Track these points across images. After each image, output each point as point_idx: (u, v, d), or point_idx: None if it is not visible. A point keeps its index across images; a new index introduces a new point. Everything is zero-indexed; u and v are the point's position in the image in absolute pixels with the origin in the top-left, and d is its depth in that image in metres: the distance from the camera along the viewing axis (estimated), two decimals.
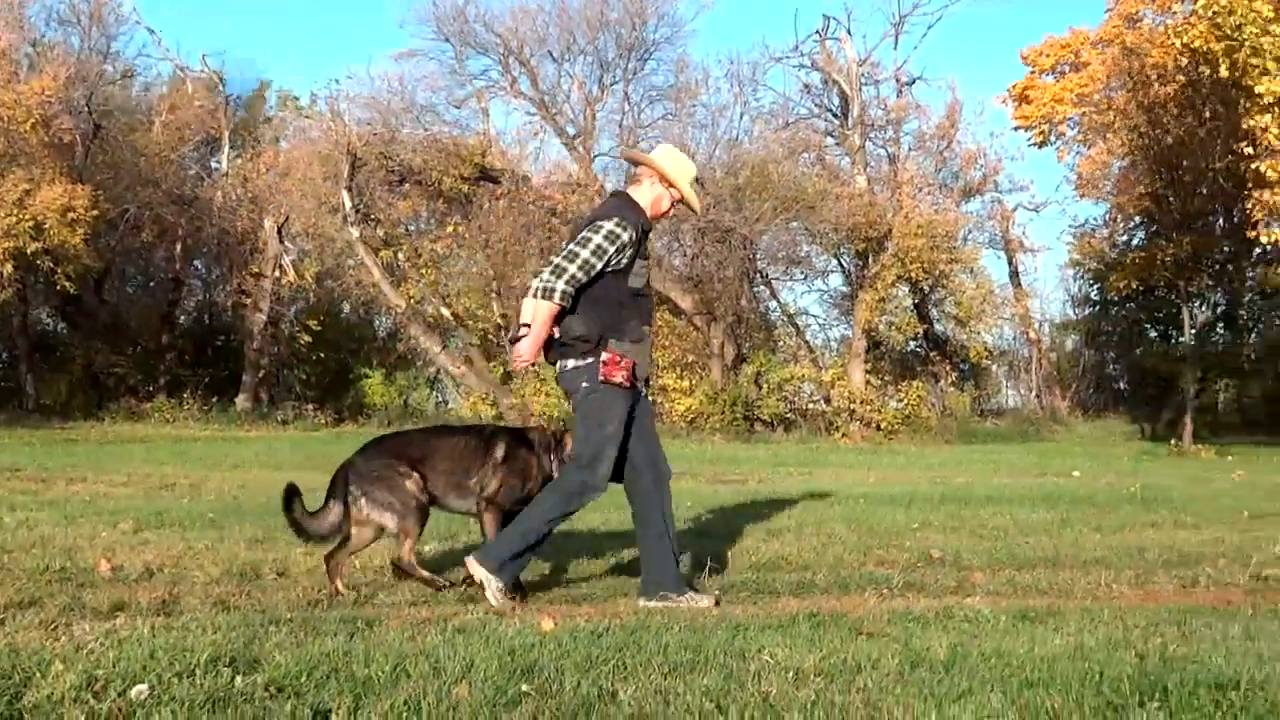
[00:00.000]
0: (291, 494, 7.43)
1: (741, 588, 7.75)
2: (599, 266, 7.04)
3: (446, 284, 38.97)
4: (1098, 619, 6.28)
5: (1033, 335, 44.53)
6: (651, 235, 7.41)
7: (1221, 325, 41.78)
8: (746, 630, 5.93)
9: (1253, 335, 42.52)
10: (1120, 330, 44.00)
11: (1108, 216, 43.86)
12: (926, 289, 39.11)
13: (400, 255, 38.81)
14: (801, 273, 41.89)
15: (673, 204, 7.57)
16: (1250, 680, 4.62)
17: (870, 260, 37.45)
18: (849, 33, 40.94)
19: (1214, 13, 22.62)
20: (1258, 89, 22.82)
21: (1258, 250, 34.14)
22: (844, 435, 35.21)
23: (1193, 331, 37.91)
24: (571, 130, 39.41)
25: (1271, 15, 21.96)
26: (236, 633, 5.45)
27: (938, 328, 40.79)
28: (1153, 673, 4.75)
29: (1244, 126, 25.39)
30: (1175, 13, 33.26)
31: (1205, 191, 37.83)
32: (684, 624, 6.10)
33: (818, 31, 40.91)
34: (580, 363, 7.11)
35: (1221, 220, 38.93)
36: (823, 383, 37.41)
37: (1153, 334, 43.36)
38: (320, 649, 5.12)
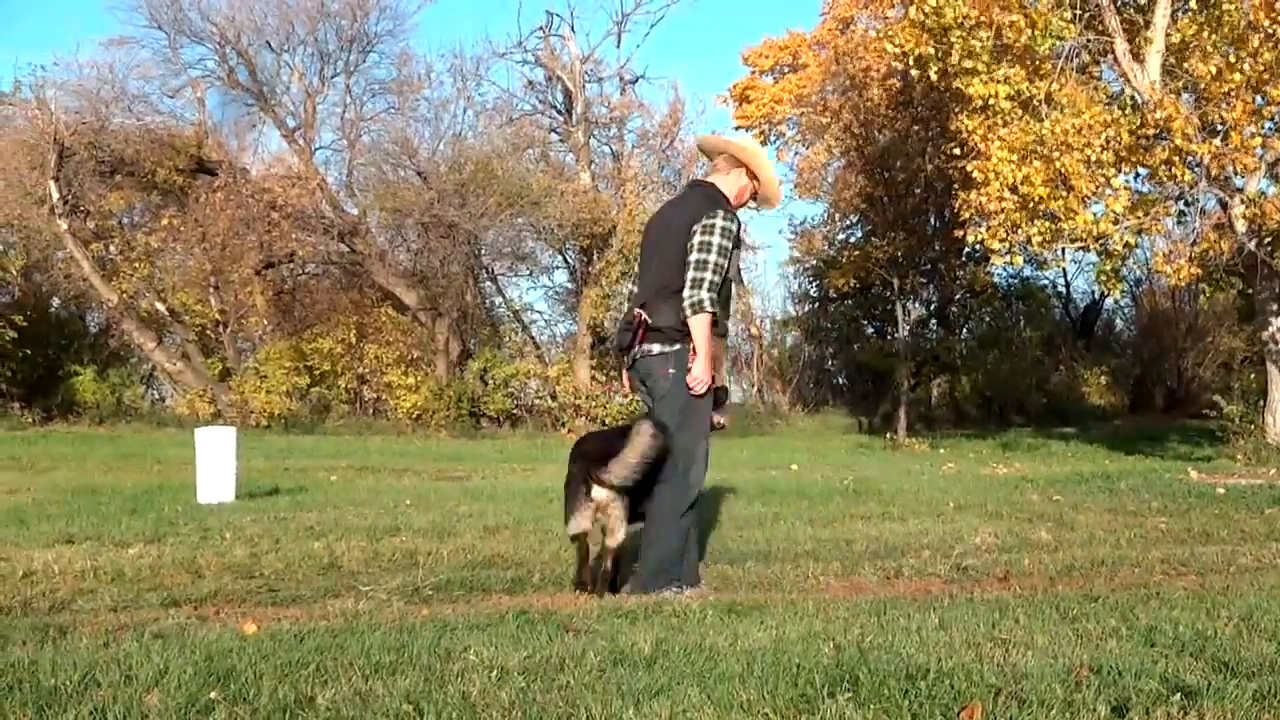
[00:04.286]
0: None
1: (455, 586, 7.75)
2: (727, 263, 7.08)
3: (162, 278, 37.78)
4: (802, 611, 6.33)
5: (754, 331, 45.16)
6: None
7: (934, 322, 43.04)
8: (454, 629, 5.86)
9: (963, 331, 44.07)
10: (839, 327, 44.86)
11: (826, 215, 44.93)
12: None
13: (112, 248, 37.48)
14: (527, 269, 41.94)
15: (750, 197, 7.58)
16: (939, 669, 4.70)
17: (595, 257, 37.64)
18: (572, 29, 41.07)
19: (924, 15, 23.13)
20: (968, 91, 23.38)
21: (965, 250, 35.27)
22: (570, 431, 35.27)
23: (907, 328, 38.96)
24: (292, 122, 38.66)
25: (977, 19, 22.53)
26: None
27: None
28: (847, 663, 4.79)
29: (952, 128, 26.12)
30: (887, 17, 34.11)
31: (918, 192, 39.08)
32: (390, 625, 6.02)
33: (541, 28, 40.89)
34: (667, 349, 7.22)
35: (933, 220, 40.21)
36: (549, 379, 37.47)
37: (869, 330, 44.33)
38: (5, 660, 4.89)
